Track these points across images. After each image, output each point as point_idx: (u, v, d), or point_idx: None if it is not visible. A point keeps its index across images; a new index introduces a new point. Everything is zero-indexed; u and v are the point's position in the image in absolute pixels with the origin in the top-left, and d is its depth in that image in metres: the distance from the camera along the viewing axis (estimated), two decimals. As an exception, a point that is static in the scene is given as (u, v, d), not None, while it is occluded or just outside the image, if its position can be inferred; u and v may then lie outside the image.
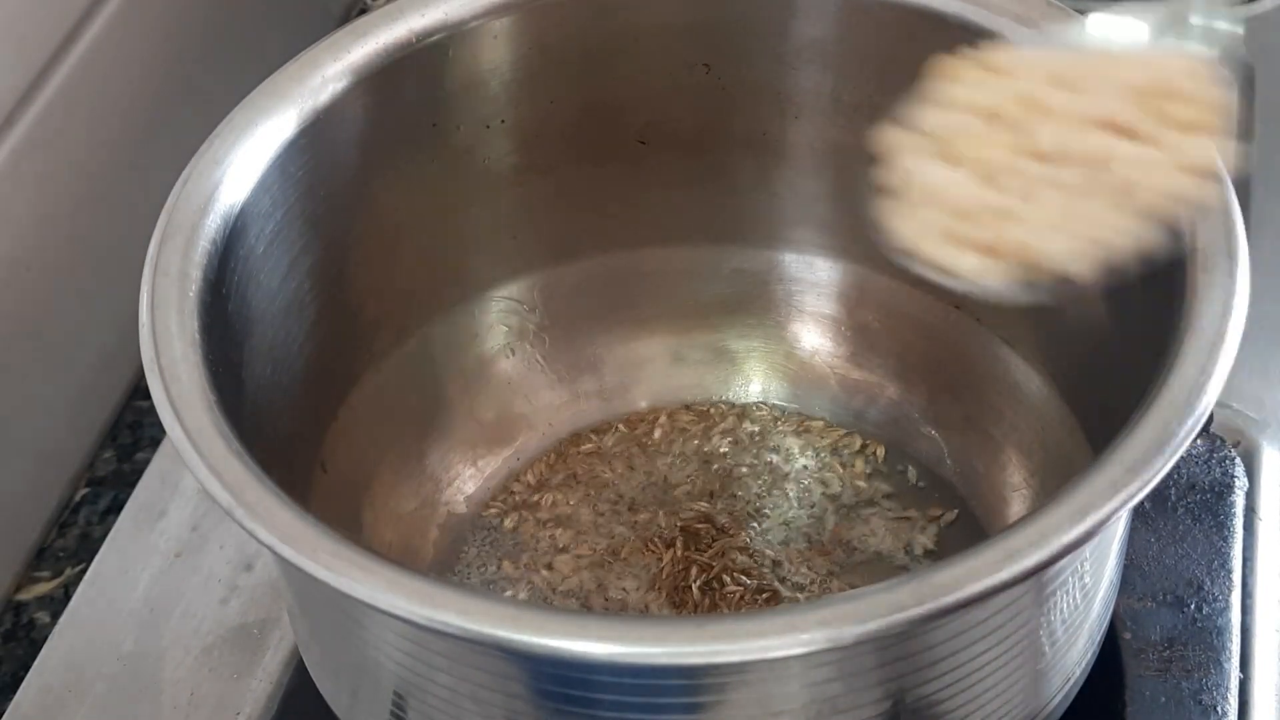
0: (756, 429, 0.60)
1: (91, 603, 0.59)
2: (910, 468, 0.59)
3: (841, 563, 0.56)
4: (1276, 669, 0.54)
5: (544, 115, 0.56)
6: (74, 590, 0.60)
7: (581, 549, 0.57)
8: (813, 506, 0.58)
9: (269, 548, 0.40)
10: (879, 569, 0.56)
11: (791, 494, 0.58)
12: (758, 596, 0.55)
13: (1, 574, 0.63)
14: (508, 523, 0.58)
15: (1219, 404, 0.42)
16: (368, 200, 0.54)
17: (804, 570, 0.56)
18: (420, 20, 0.52)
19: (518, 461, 0.60)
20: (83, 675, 0.57)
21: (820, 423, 0.60)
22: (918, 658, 0.41)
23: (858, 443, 0.59)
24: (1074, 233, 0.40)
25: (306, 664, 0.51)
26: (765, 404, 0.61)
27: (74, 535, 0.65)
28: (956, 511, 0.57)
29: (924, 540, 0.56)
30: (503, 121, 0.56)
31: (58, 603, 0.61)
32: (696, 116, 0.57)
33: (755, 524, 0.57)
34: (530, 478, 0.60)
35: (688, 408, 0.61)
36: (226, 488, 0.41)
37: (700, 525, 0.57)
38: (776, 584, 0.55)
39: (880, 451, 0.59)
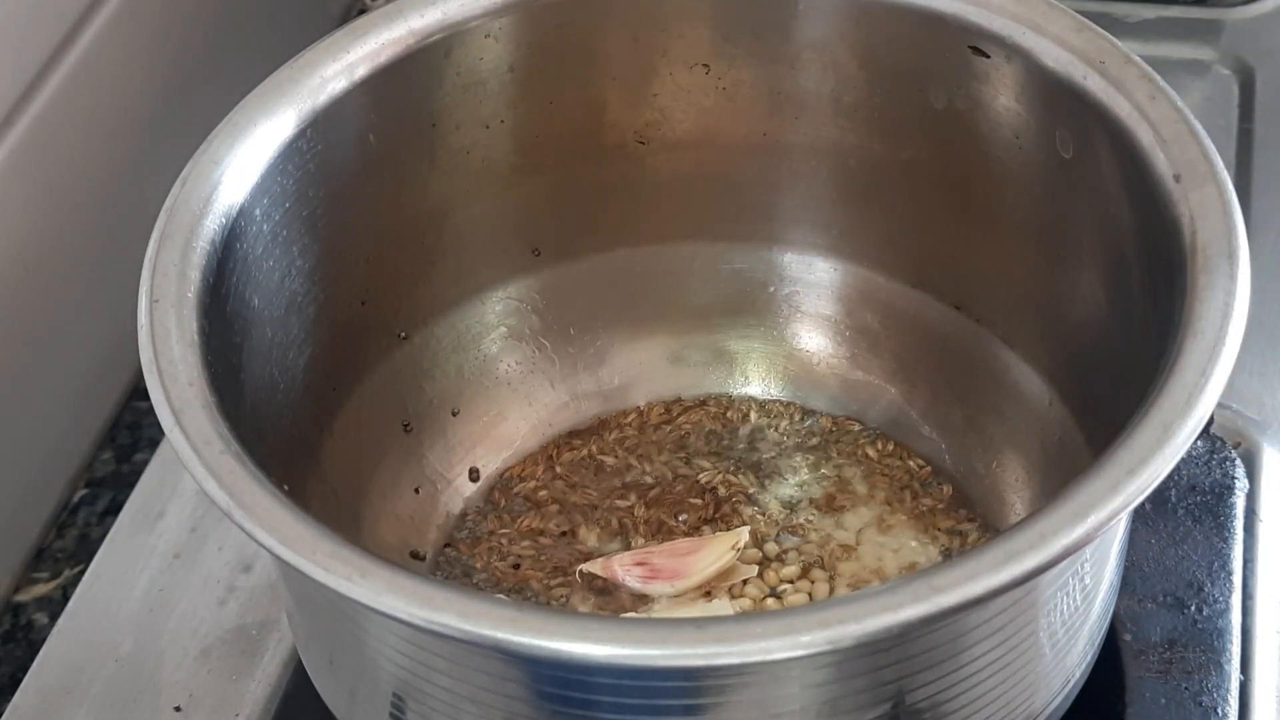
0: (757, 423, 0.60)
1: (90, 604, 0.59)
2: (912, 461, 0.59)
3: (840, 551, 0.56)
4: (1277, 671, 0.54)
5: (544, 115, 0.56)
6: (72, 591, 0.60)
7: (581, 547, 0.57)
8: (815, 494, 0.58)
9: (267, 549, 0.40)
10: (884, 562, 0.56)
11: (794, 482, 0.58)
12: (759, 601, 0.55)
13: (0, 575, 0.63)
14: (507, 523, 0.58)
15: (1219, 405, 0.42)
16: (367, 200, 0.54)
17: (807, 545, 0.56)
18: (419, 20, 0.52)
19: (517, 461, 0.60)
20: (81, 676, 0.57)
21: (823, 416, 0.60)
22: (917, 659, 0.41)
23: (858, 429, 0.60)
24: None
25: (305, 665, 0.51)
26: (764, 399, 0.61)
27: (72, 536, 0.65)
28: (966, 514, 0.57)
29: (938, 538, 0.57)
30: (502, 121, 0.56)
31: (56, 604, 0.61)
32: (696, 116, 0.57)
33: (759, 512, 0.57)
34: (529, 477, 0.59)
35: (686, 405, 0.61)
36: (225, 489, 0.41)
37: (700, 517, 0.57)
38: (781, 583, 0.55)
39: (889, 445, 0.59)
